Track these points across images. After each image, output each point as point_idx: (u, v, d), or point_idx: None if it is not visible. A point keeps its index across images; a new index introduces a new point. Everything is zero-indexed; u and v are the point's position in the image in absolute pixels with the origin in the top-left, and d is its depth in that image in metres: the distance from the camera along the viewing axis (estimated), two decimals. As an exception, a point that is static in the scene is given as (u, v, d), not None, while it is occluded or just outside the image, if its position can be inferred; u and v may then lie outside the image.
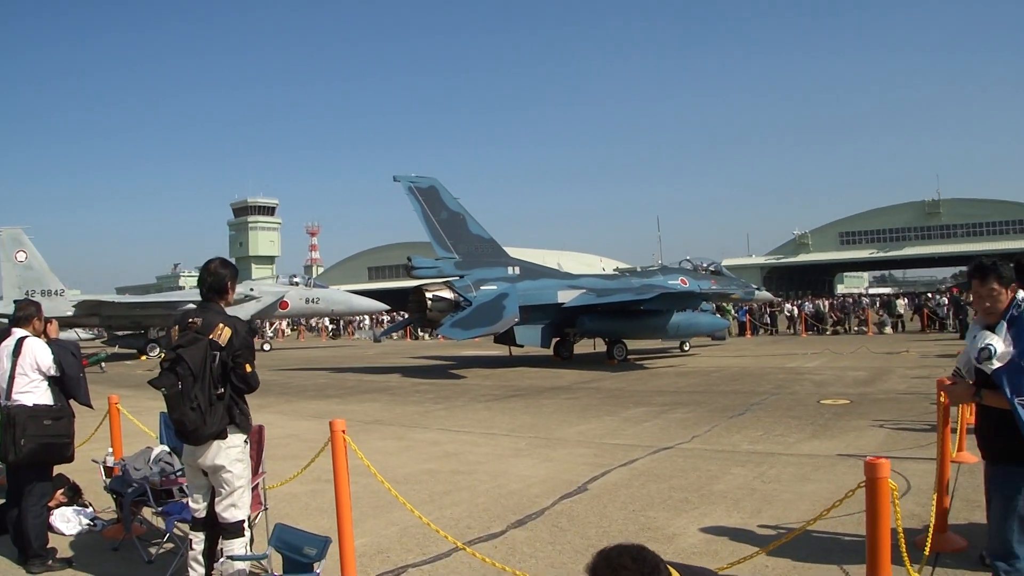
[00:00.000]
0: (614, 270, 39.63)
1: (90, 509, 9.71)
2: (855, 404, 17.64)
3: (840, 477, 10.55)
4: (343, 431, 6.87)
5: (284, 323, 76.45)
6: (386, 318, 72.40)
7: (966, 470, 10.23)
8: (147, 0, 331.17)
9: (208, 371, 5.97)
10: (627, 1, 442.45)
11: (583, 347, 36.40)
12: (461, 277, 29.98)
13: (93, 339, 57.76)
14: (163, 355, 6.23)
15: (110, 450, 9.64)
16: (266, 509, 7.73)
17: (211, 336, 6.08)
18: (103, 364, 34.30)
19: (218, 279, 6.51)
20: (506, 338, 31.08)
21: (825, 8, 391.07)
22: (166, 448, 8.61)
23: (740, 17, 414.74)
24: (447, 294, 29.61)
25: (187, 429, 5.96)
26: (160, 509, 8.03)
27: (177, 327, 6.27)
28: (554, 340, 32.51)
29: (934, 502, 7.45)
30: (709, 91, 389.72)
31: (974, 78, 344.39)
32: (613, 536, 8.23)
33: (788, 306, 56.32)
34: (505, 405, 19.64)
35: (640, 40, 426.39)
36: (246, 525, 6.35)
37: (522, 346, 31.29)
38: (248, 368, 6.17)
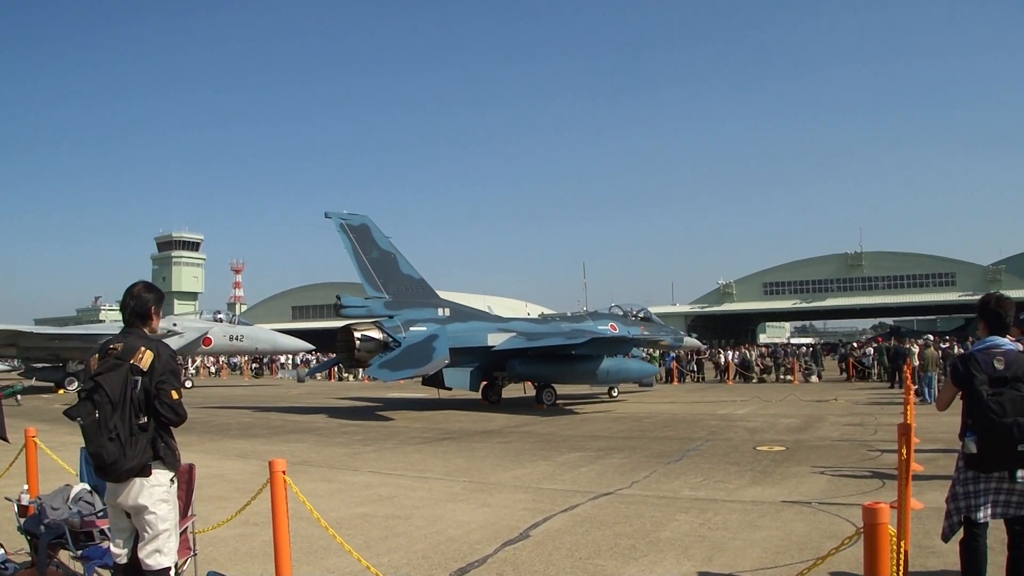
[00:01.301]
0: (540, 315, 39.39)
1: (1, 551, 8.96)
2: (791, 451, 17.59)
3: (788, 524, 10.35)
4: (283, 471, 6.37)
5: (207, 360, 74.70)
6: (311, 358, 71.05)
7: (915, 516, 10.05)
8: (80, 20, 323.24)
9: (128, 399, 5.48)
10: (557, 42, 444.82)
11: (512, 391, 36.16)
12: (391, 317, 29.41)
13: (9, 371, 55.85)
14: (82, 386, 5.70)
15: (25, 487, 8.94)
16: (195, 555, 7.10)
17: (132, 361, 5.56)
18: (19, 396, 33.36)
19: (141, 303, 5.97)
20: (435, 380, 30.64)
21: (757, 62, 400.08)
22: (87, 486, 7.90)
23: (668, 69, 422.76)
24: (376, 334, 29.03)
25: (105, 462, 5.45)
26: (79, 553, 7.30)
27: (97, 356, 5.77)
28: (483, 383, 32.25)
29: (899, 548, 7.18)
30: (635, 137, 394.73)
31: (899, 134, 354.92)
32: (562, 586, 7.82)
33: (730, 353, 56.73)
34: (437, 448, 19.21)
35: (567, 78, 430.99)
36: (172, 573, 5.77)
37: (451, 389, 30.96)
38: (175, 395, 5.61)
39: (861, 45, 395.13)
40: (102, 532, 7.26)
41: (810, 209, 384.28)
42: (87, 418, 5.46)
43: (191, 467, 7.00)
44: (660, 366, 50.81)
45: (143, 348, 5.63)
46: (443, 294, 33.37)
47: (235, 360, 77.61)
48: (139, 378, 5.53)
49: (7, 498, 8.73)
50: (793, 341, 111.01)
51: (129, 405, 5.46)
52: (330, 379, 61.73)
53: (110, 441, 5.40)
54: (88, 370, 5.71)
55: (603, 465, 16.01)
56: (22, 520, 8.14)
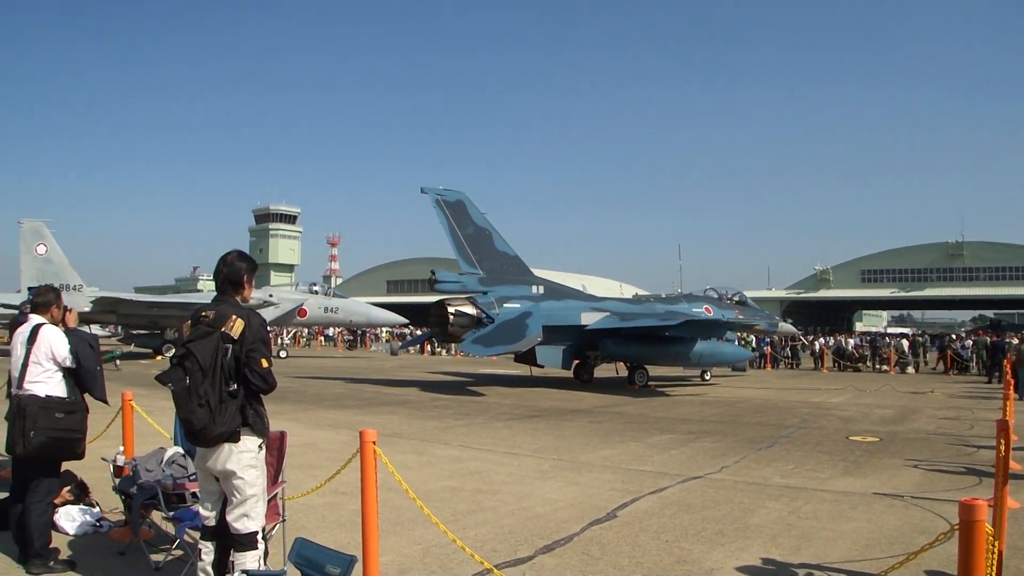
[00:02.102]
0: (634, 295, 39.14)
1: (96, 509, 9.22)
2: (885, 442, 17.09)
3: (879, 517, 10.03)
4: (374, 442, 6.39)
5: (302, 331, 76.01)
6: (405, 332, 71.39)
7: (1011, 516, 9.66)
8: (178, 2, 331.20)
9: (219, 366, 5.49)
10: (656, 31, 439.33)
11: (603, 371, 35.83)
12: (484, 293, 29.61)
13: (109, 337, 57.22)
14: (174, 352, 5.72)
15: (121, 449, 9.08)
16: (284, 520, 7.17)
17: (223, 328, 5.57)
18: (118, 361, 34.05)
19: (234, 271, 5.96)
20: (527, 357, 30.66)
21: (853, 43, 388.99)
22: (180, 450, 8.05)
23: (767, 48, 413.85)
24: (470, 309, 29.20)
25: (195, 428, 5.48)
26: (171, 514, 7.48)
27: (189, 322, 5.78)
28: (575, 362, 32.07)
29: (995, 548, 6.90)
30: (734, 122, 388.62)
31: (1003, 122, 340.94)
32: (648, 568, 7.74)
33: (822, 340, 55.68)
34: (527, 425, 19.16)
35: (668, 69, 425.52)
36: (260, 537, 5.77)
37: (543, 366, 30.78)
38: (264, 363, 5.61)
39: (978, 21, 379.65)
40: (193, 495, 7.38)
41: (910, 195, 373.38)
42: (178, 384, 5.50)
43: (282, 435, 7.03)
44: (754, 351, 50.14)
45: (234, 316, 5.64)
46: (537, 272, 33.34)
47: (329, 332, 78.40)
48: (229, 346, 5.52)
49: (103, 459, 8.97)
50: (890, 331, 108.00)
51: (219, 372, 5.48)
52: (423, 353, 61.87)
53: (200, 407, 5.43)
54: (181, 336, 5.75)
55: (693, 448, 15.81)
56: (117, 480, 8.35)
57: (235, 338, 5.56)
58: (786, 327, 42.60)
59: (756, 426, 19.62)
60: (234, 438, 5.61)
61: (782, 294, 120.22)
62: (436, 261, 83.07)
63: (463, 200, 30.84)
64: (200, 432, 5.52)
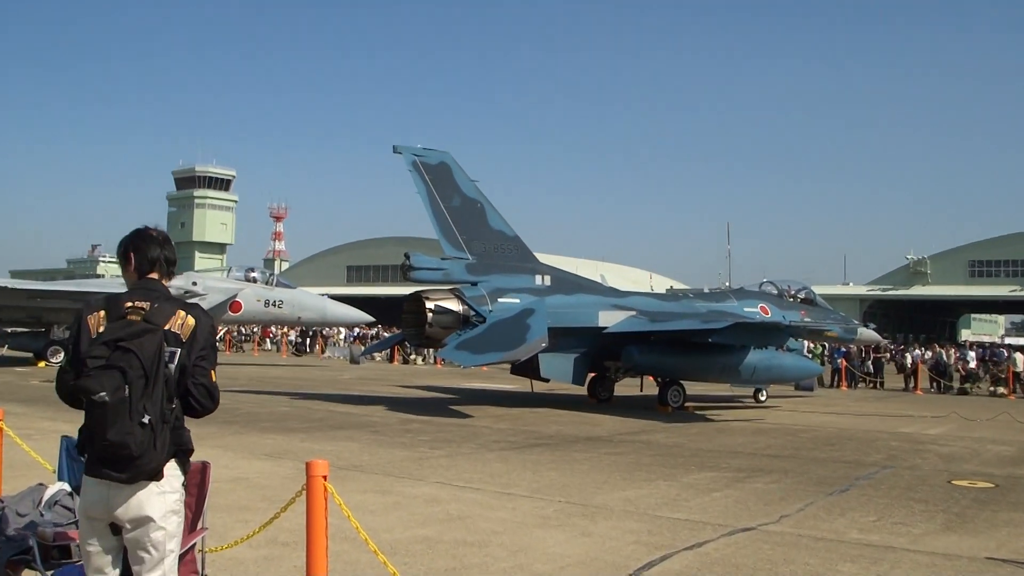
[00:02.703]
0: (667, 290, 39.10)
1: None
2: (1003, 490, 16.80)
3: (995, 591, 9.85)
4: (324, 477, 6.31)
5: (234, 330, 75.87)
6: (370, 333, 71.81)
7: None
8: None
9: (161, 375, 5.17)
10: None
11: (626, 387, 35.69)
12: (474, 284, 29.68)
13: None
14: (92, 352, 5.21)
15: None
16: (204, 583, 7.04)
17: (167, 327, 5.31)
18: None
19: (170, 250, 5.82)
20: (527, 368, 30.69)
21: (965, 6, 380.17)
22: (66, 487, 7.62)
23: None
24: (454, 305, 29.21)
25: (130, 455, 5.05)
26: (50, 573, 7.00)
27: (102, 312, 5.39)
28: (590, 375, 32.16)
29: None
30: (802, 67, 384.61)
31: None
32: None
33: (919, 352, 55.30)
34: (526, 457, 19.17)
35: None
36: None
37: (548, 380, 30.80)
38: (214, 375, 5.47)
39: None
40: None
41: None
42: (114, 393, 5.02)
43: (204, 466, 6.77)
44: (825, 364, 49.81)
45: (182, 312, 5.43)
46: (544, 258, 33.41)
47: (272, 331, 78.60)
48: (177, 350, 5.30)
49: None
50: (1009, 342, 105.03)
51: (162, 384, 5.18)
52: (392, 361, 63.17)
53: (140, 427, 5.05)
54: (86, 331, 5.35)
55: (742, 491, 15.76)
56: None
57: (184, 340, 5.34)
58: (868, 334, 42.33)
59: (827, 463, 19.50)
60: (159, 474, 5.27)
61: (863, 291, 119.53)
62: (412, 242, 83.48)
63: (448, 163, 30.79)
64: (133, 463, 5.12)
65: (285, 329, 74.91)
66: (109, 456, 5.13)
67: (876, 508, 14.55)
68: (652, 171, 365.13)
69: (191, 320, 5.39)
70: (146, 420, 5.03)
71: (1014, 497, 16.03)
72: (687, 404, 31.27)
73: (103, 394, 4.99)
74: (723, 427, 26.38)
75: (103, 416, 5.02)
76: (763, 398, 35.13)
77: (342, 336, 76.86)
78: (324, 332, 76.45)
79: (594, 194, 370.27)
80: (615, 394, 33.67)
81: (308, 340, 76.16)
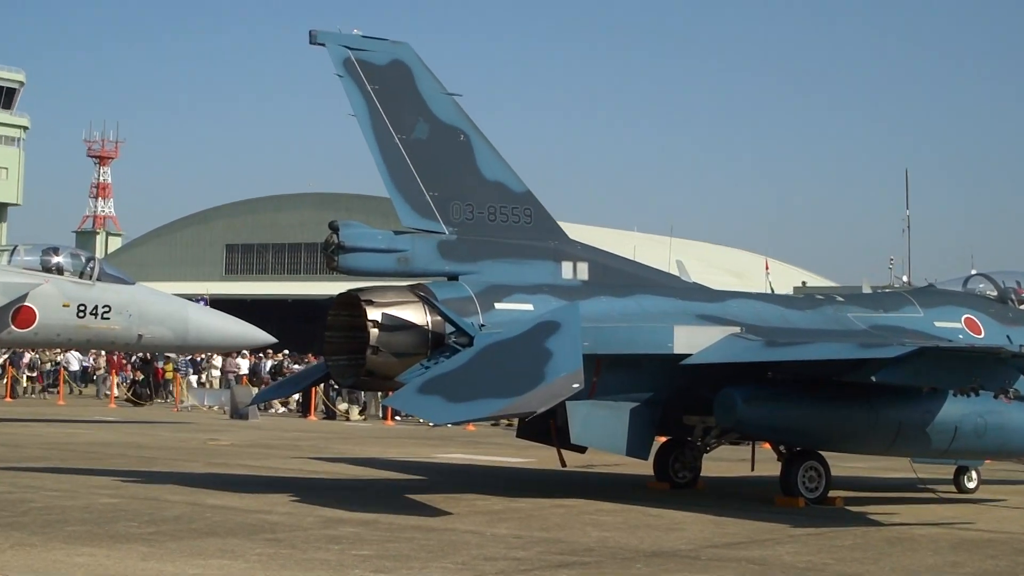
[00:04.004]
0: (796, 288, 31.17)
1: None
2: None
3: None
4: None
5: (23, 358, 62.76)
6: (266, 365, 62.06)
7: None
8: None
9: None
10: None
11: (719, 461, 29.34)
12: (453, 278, 24.00)
13: None
14: None
15: None
16: None
17: None
18: None
19: None
20: (547, 428, 24.83)
21: None
22: None
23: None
24: (417, 315, 22.81)
25: None
26: None
27: None
28: (658, 441, 26.49)
29: None
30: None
31: None
32: None
33: None
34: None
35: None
36: None
37: (583, 449, 25.40)
38: None
39: None
40: None
41: None
42: None
43: None
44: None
45: None
46: (574, 231, 29.44)
47: (85, 361, 67.83)
48: None
49: None
50: None
51: None
52: (308, 414, 53.88)
53: None
54: None
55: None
56: None
57: None
58: None
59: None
60: None
61: None
62: (342, 203, 74.33)
63: (406, 63, 24.49)
64: None
65: (116, 357, 63.39)
66: None
67: None
68: (757, 80, 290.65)
69: None
70: None
71: None
72: (832, 494, 24.34)
73: None
74: (899, 536, 20.50)
75: None
76: (971, 484, 27.58)
77: (218, 370, 65.36)
78: (184, 363, 64.97)
79: (660, 127, 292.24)
80: (703, 474, 27.05)
81: (156, 376, 63.05)
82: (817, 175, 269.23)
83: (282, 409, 54.44)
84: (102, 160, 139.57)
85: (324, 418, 52.96)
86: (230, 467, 29.98)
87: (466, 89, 28.46)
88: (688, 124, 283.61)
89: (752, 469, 28.57)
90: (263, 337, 44.38)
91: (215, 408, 55.43)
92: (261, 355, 59.85)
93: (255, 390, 51.91)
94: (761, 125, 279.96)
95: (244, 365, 62.81)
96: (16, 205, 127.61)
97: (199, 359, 63.91)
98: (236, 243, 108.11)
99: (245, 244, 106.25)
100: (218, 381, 63.56)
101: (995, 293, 28.75)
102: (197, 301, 52.84)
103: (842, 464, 27.26)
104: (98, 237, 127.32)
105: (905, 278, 36.05)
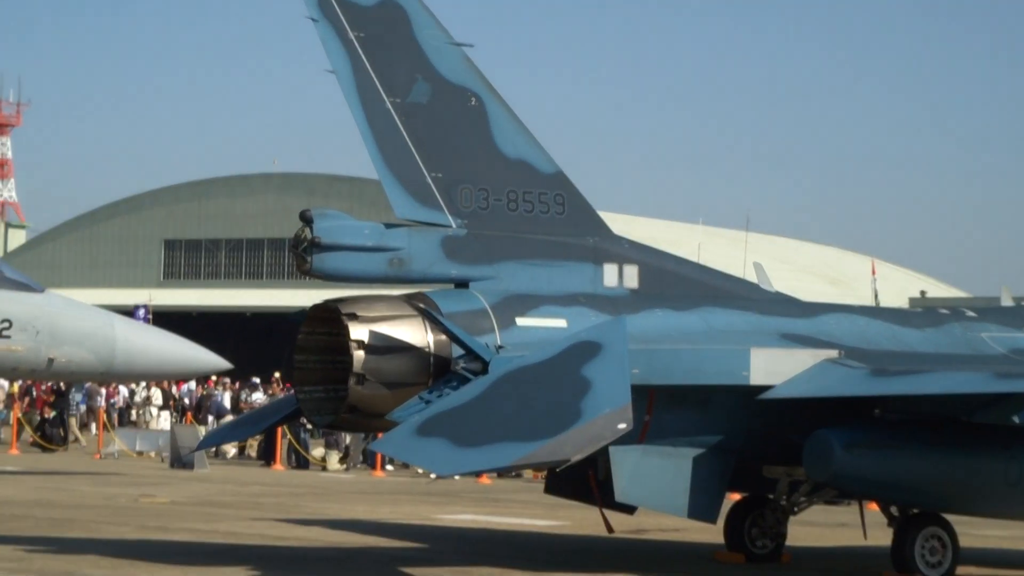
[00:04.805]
0: (914, 300, 29.82)
1: None
2: None
3: None
4: None
5: None
6: (220, 397, 57.07)
7: None
8: None
9: None
10: None
11: (815, 526, 26.94)
12: (462, 285, 21.28)
13: None
14: None
15: None
16: None
17: None
18: None
19: None
20: (584, 483, 22.09)
21: None
22: None
23: None
24: (413, 333, 20.18)
25: None
26: None
27: None
28: (733, 498, 23.99)
29: None
30: None
31: None
32: None
33: None
34: None
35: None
36: None
37: (632, 510, 22.41)
38: None
39: None
40: None
41: None
42: None
43: None
44: None
45: None
46: (620, 223, 30.51)
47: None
48: None
49: None
50: None
51: None
52: (272, 462, 49.16)
53: None
54: None
55: None
56: None
57: None
58: None
59: None
60: None
61: None
62: (317, 186, 74.93)
63: (400, 4, 21.78)
64: None
65: (16, 387, 58.05)
66: None
67: None
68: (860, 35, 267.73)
69: None
70: None
71: None
72: (961, 572, 21.67)
73: None
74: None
75: None
76: None
77: (156, 406, 59.85)
78: (110, 396, 59.35)
79: (725, 90, 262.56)
80: (788, 543, 23.71)
81: (69, 412, 56.92)
82: (939, 153, 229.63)
83: (235, 452, 49.83)
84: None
85: (293, 467, 48.89)
86: (169, 532, 26.96)
87: (480, 40, 22.34)
88: (765, 89, 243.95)
89: (865, 537, 24.85)
90: (214, 361, 40.06)
91: (151, 454, 50.98)
92: (212, 384, 53.98)
93: (203, 430, 47.97)
94: (860, 89, 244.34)
95: (189, 398, 57.91)
96: None
97: (137, 390, 58.12)
98: (178, 239, 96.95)
99: (190, 240, 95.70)
100: (157, 420, 58.39)
101: None
102: (136, 314, 47.91)
103: (974, 532, 24.93)
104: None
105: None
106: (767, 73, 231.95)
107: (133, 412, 60.25)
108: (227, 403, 58.96)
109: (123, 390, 59.95)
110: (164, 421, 59.09)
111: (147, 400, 59.28)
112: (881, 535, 23.36)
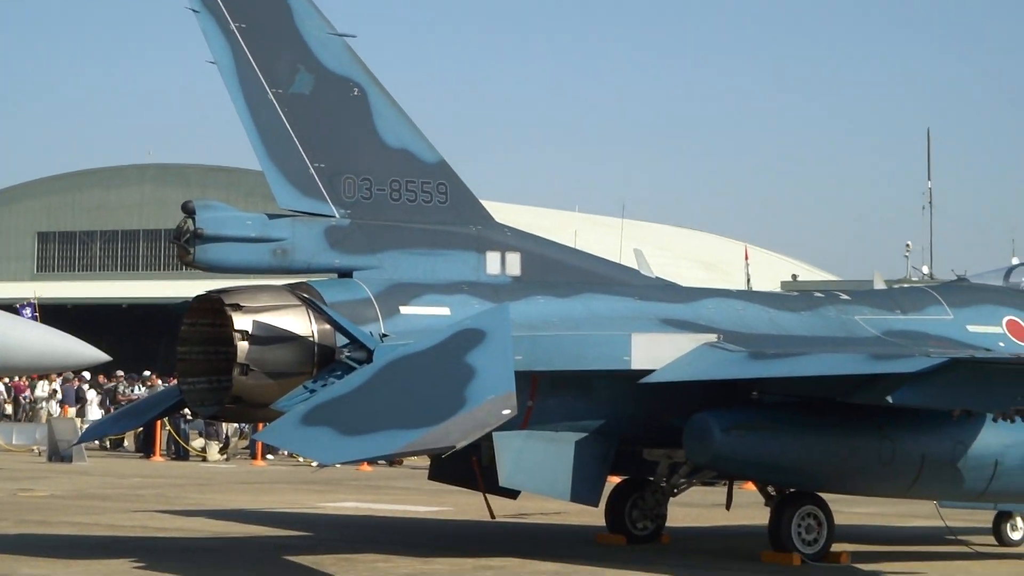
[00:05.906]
0: (784, 283, 29.63)
1: None
2: None
3: None
4: None
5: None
6: (89, 393, 55.95)
7: None
8: None
9: None
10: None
11: (694, 505, 28.31)
12: (346, 275, 21.56)
13: None
14: None
15: None
16: None
17: None
18: None
19: None
20: (468, 468, 22.50)
21: None
22: None
23: None
24: (297, 323, 20.46)
25: None
26: None
27: None
28: (614, 482, 24.40)
29: None
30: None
31: None
32: None
33: None
34: None
35: None
36: None
37: (515, 494, 23.31)
38: None
39: None
40: None
41: None
42: None
43: None
44: None
45: None
46: (501, 211, 28.88)
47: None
48: None
49: None
50: None
51: None
52: (152, 454, 48.67)
53: None
54: None
55: None
56: None
57: None
58: None
59: None
60: None
61: None
62: (197, 177, 72.84)
63: None
64: None
65: None
66: None
67: None
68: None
69: None
70: None
71: None
72: (836, 548, 22.10)
73: None
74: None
75: None
76: (1016, 535, 25.50)
77: (41, 397, 59.17)
78: (20, 390, 60.17)
79: (602, 77, 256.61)
80: (668, 524, 24.25)
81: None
82: (808, 138, 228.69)
83: (112, 445, 48.83)
84: None
85: (173, 458, 48.27)
86: (50, 526, 26.50)
87: (361, 30, 24.81)
88: (639, 78, 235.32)
89: (728, 508, 25.43)
90: (91, 354, 37.71)
91: (31, 448, 50.23)
92: (88, 377, 53.35)
93: (81, 423, 46.67)
94: (731, 79, 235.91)
95: (65, 391, 56.75)
96: None
97: (17, 383, 57.50)
98: (51, 231, 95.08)
99: (64, 232, 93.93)
100: (43, 411, 57.48)
101: None
102: (22, 312, 47.09)
103: (848, 510, 26.08)
104: None
105: (926, 269, 35.47)
106: (640, 61, 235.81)
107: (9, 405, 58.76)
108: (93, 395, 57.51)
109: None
110: (41, 409, 58.72)
111: (53, 394, 57.25)
112: (758, 514, 24.25)
